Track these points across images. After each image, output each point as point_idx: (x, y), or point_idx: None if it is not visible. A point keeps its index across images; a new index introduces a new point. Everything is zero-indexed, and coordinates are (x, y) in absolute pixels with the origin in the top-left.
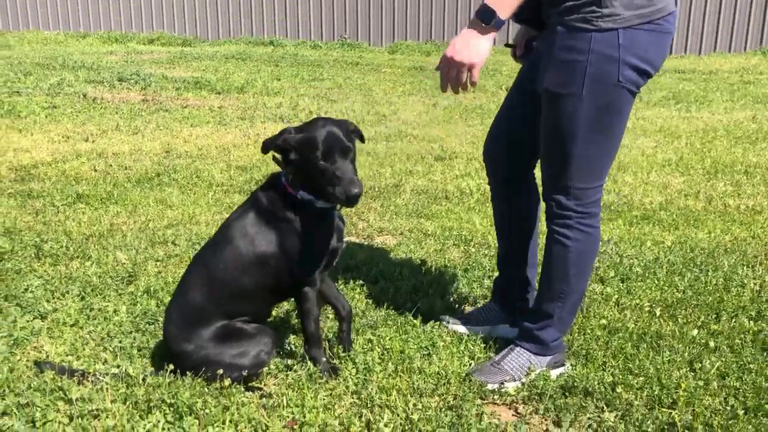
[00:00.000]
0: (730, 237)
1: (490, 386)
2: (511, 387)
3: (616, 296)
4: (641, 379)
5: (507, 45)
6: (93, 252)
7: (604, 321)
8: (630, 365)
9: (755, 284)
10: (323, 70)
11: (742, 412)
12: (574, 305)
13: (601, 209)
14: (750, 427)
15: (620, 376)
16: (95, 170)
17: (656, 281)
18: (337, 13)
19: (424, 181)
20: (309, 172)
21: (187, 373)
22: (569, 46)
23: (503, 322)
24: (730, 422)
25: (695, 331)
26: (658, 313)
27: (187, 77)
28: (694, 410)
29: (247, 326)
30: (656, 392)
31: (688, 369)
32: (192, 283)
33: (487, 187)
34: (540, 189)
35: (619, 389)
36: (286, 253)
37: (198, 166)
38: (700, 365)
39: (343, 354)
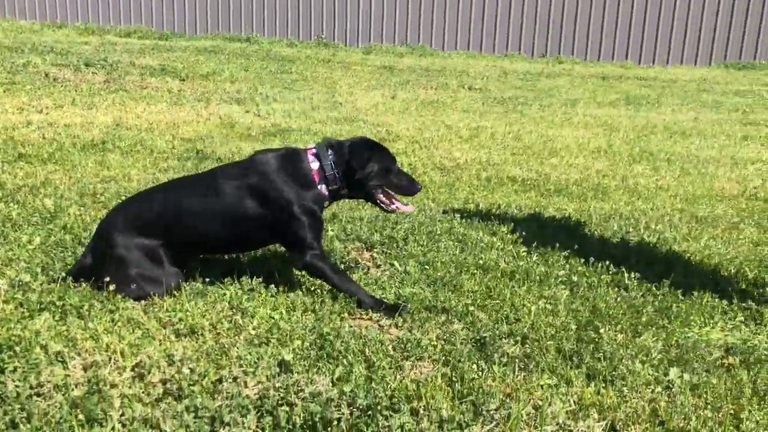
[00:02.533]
0: (630, 208)
1: None
2: None
3: (499, 243)
4: (497, 302)
5: None
6: (21, 197)
7: (481, 261)
8: (492, 294)
9: (631, 239)
10: (293, 65)
11: (575, 327)
12: None
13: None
14: (571, 334)
15: (479, 300)
16: (44, 138)
17: (540, 235)
18: (314, 13)
19: None
20: (386, 177)
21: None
22: None
23: None
24: (559, 333)
25: (561, 272)
26: (534, 258)
27: (155, 65)
28: (533, 325)
29: (166, 262)
30: (506, 312)
31: (540, 297)
32: (156, 203)
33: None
34: None
35: (472, 308)
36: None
37: (144, 136)
38: (553, 294)
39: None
